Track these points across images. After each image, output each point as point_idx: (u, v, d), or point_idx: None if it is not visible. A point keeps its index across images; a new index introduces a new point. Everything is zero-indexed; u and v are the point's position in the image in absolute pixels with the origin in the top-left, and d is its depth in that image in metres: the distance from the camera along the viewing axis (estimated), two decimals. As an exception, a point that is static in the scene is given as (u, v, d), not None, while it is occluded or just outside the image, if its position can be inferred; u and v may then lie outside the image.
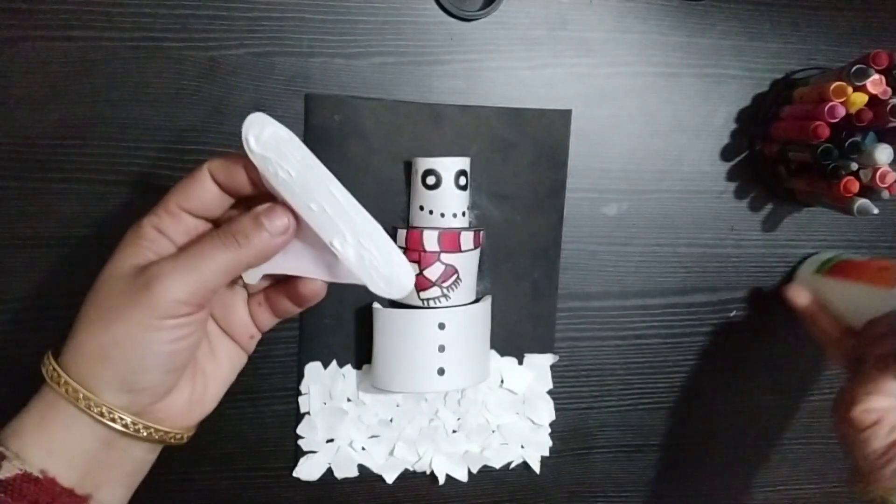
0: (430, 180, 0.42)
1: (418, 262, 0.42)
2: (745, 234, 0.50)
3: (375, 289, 0.30)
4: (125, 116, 0.41)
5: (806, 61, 0.49)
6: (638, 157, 0.48)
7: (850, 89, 0.41)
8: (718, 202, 0.49)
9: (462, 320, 0.42)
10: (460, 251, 0.42)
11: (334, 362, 0.45)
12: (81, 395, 0.28)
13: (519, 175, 0.46)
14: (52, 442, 0.29)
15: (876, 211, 0.43)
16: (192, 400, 0.32)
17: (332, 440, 0.46)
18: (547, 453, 0.48)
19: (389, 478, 0.46)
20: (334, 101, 0.43)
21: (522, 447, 0.48)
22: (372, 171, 0.44)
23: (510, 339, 0.47)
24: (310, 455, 0.45)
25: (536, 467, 0.48)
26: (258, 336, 0.35)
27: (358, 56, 0.43)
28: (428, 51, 0.44)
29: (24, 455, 0.28)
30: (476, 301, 0.44)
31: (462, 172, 0.42)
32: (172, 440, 0.31)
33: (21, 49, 0.40)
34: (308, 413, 0.45)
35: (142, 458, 0.31)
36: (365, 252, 0.29)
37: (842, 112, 0.41)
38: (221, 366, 0.34)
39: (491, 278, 0.46)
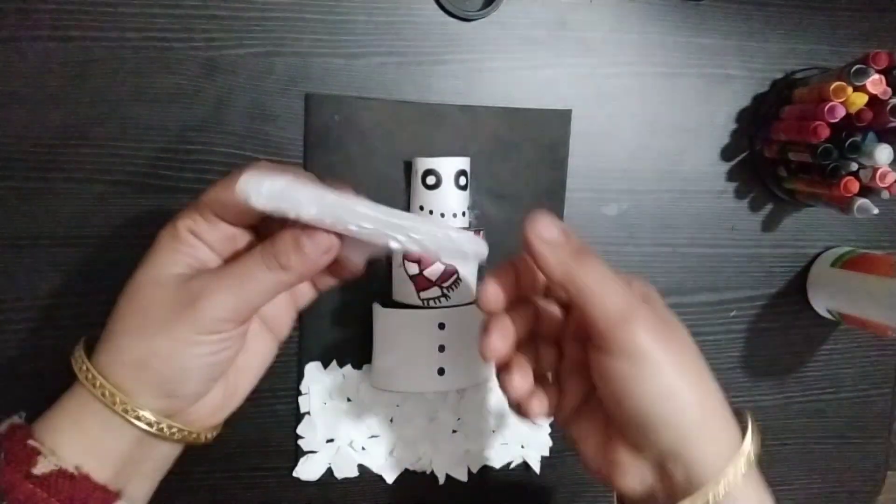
0: (430, 180, 0.42)
1: (418, 262, 0.42)
2: (745, 234, 0.50)
3: (455, 262, 0.32)
4: (125, 116, 0.41)
5: (806, 61, 0.49)
6: (638, 157, 0.48)
7: (850, 89, 0.41)
8: (718, 202, 0.49)
9: (462, 320, 0.42)
10: None
11: (334, 362, 0.45)
12: (118, 400, 0.29)
13: (519, 175, 0.46)
14: (87, 440, 0.29)
15: (876, 211, 0.43)
16: (224, 398, 0.33)
17: (332, 440, 0.45)
18: (547, 453, 0.48)
19: (389, 478, 0.46)
20: (334, 101, 0.43)
21: (522, 447, 0.48)
22: (372, 171, 0.44)
23: None
24: (310, 455, 0.45)
25: (536, 467, 0.48)
26: (295, 316, 0.35)
27: (358, 56, 0.43)
28: (428, 51, 0.44)
29: (59, 452, 0.28)
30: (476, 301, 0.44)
31: (462, 172, 0.42)
32: (203, 440, 0.32)
33: (21, 49, 0.40)
34: (308, 413, 0.45)
35: (169, 454, 0.32)
36: (424, 243, 0.29)
37: (842, 112, 0.41)
38: (253, 361, 0.34)
39: None
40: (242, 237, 0.32)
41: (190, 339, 0.29)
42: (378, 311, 0.43)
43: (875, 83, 0.41)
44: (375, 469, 0.46)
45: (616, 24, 0.46)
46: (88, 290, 0.42)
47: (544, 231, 0.30)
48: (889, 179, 0.42)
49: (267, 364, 0.35)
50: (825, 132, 0.41)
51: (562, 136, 0.46)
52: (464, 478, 0.47)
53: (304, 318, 0.44)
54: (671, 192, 0.48)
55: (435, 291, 0.42)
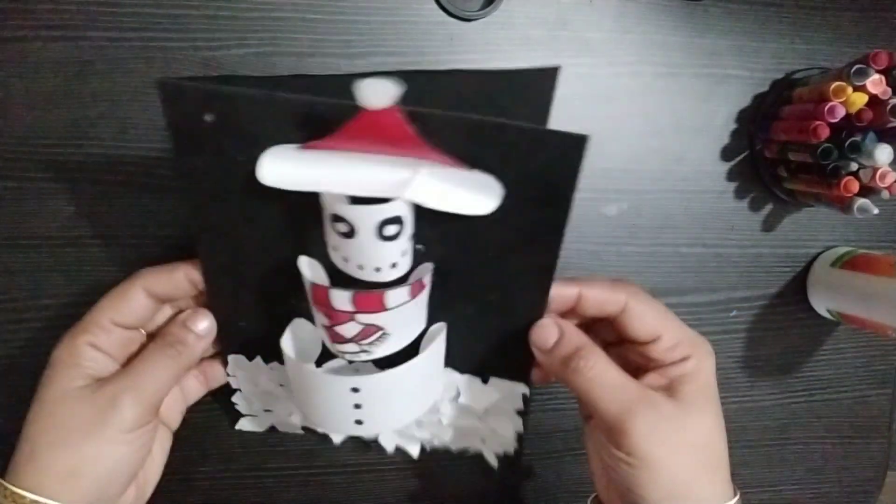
0: (341, 227, 0.29)
1: (327, 316, 0.32)
2: (745, 234, 0.50)
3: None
4: (125, 116, 0.41)
5: (806, 61, 0.49)
6: (638, 157, 0.48)
7: (850, 89, 0.41)
8: (718, 202, 0.49)
9: (381, 387, 0.34)
10: (385, 311, 0.31)
11: (258, 358, 0.39)
12: None
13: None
14: None
15: (876, 211, 0.43)
16: (136, 496, 0.35)
17: (269, 410, 0.42)
18: (511, 452, 0.43)
19: (337, 439, 0.43)
20: (201, 96, 0.28)
21: (483, 441, 0.42)
22: (271, 192, 0.29)
23: (472, 361, 0.39)
24: (250, 417, 0.43)
25: (493, 462, 0.43)
26: (185, 410, 0.39)
27: (358, 56, 0.43)
28: (428, 51, 0.44)
29: None
30: (416, 341, 0.35)
31: (390, 221, 0.29)
32: None
33: (21, 49, 0.40)
34: (240, 390, 0.41)
35: None
36: None
37: (842, 112, 0.41)
38: (157, 456, 0.37)
39: (452, 293, 0.35)
40: (136, 339, 0.36)
41: (117, 439, 0.31)
42: (287, 357, 0.35)
43: (875, 83, 0.41)
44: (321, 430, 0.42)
45: (616, 24, 0.46)
46: (88, 290, 0.42)
47: (537, 339, 0.34)
48: (889, 179, 0.42)
49: (167, 454, 0.37)
50: (825, 132, 0.41)
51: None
52: (416, 454, 0.43)
53: (219, 319, 0.37)
54: (671, 192, 0.48)
55: (352, 347, 0.33)
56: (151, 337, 0.36)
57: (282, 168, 0.29)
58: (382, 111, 0.25)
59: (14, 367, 0.42)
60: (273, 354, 0.37)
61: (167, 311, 0.37)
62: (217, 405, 0.44)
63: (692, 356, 0.33)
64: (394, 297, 0.31)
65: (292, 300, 0.35)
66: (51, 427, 0.32)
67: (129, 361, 0.35)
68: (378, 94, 0.25)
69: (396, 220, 0.29)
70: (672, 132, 0.48)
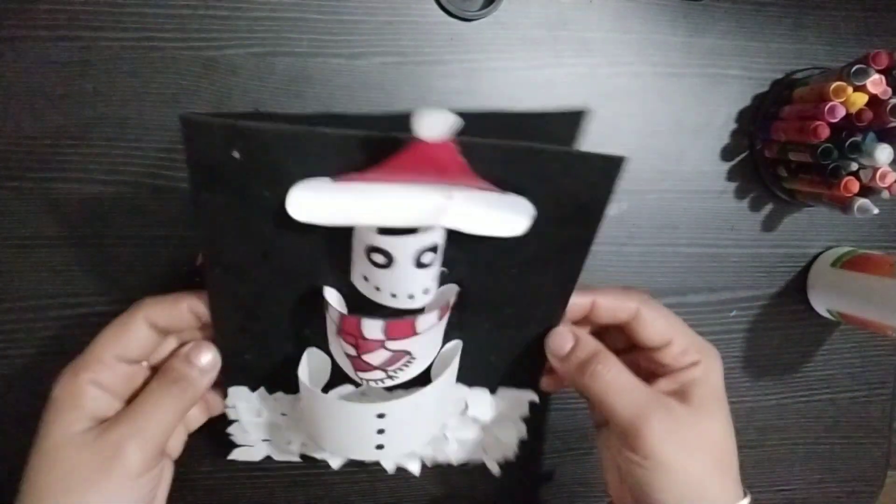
0: (378, 259, 0.29)
1: (355, 346, 0.31)
2: (745, 234, 0.50)
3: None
4: (125, 116, 0.41)
5: (806, 61, 0.49)
6: (638, 157, 0.47)
7: (850, 89, 0.41)
8: (718, 202, 0.49)
9: (405, 410, 0.34)
10: (415, 335, 0.32)
11: (262, 388, 0.38)
12: None
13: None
14: None
15: (876, 211, 0.43)
16: None
17: (267, 440, 0.41)
18: (512, 457, 0.43)
19: (335, 464, 0.42)
20: (227, 132, 0.26)
21: (485, 451, 0.42)
22: (294, 227, 0.28)
23: (482, 373, 0.39)
24: (245, 448, 0.41)
25: (496, 470, 0.43)
26: (186, 438, 0.37)
27: (358, 56, 0.43)
28: (428, 51, 0.44)
29: None
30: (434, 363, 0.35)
31: (428, 249, 0.28)
32: None
33: (21, 49, 0.40)
34: (238, 421, 0.39)
35: None
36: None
37: (842, 112, 0.41)
38: (162, 490, 0.34)
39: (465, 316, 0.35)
40: (139, 374, 0.34)
41: (123, 486, 0.30)
42: (303, 386, 0.34)
43: (875, 83, 0.41)
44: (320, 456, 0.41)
45: (616, 24, 0.46)
46: (89, 291, 0.42)
47: (553, 346, 0.35)
48: (889, 179, 0.42)
49: (169, 485, 0.35)
50: (825, 132, 0.41)
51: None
52: (416, 472, 0.42)
53: (223, 349, 0.36)
54: (671, 192, 0.48)
55: (377, 374, 0.33)
56: (154, 370, 0.34)
57: (314, 202, 0.28)
58: (437, 143, 0.25)
59: (14, 367, 0.42)
60: (278, 385, 0.37)
61: (171, 343, 0.35)
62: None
63: (701, 361, 0.34)
64: (424, 322, 0.31)
65: (306, 331, 0.34)
66: (54, 476, 0.30)
67: (132, 397, 0.33)
68: (437, 127, 0.25)
69: (433, 248, 0.29)
70: (672, 132, 0.48)
